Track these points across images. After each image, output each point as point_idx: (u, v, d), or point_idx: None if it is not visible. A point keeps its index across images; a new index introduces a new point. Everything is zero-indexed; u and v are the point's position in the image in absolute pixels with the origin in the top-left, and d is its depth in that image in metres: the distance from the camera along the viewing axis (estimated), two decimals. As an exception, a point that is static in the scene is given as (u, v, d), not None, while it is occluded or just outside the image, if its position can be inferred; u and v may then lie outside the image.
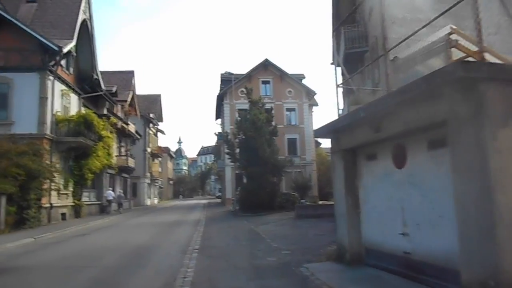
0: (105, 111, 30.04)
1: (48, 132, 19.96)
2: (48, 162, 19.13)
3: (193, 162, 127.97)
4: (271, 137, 25.53)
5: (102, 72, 35.75)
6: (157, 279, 7.24)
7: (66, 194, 22.39)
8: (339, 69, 14.05)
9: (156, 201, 56.81)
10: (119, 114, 34.82)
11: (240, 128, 25.35)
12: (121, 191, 37.94)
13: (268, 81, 38.72)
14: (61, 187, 21.68)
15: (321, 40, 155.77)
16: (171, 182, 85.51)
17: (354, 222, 7.82)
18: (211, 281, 7.04)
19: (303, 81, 41.03)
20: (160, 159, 61.94)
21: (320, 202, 33.03)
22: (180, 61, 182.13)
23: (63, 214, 21.92)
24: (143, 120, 47.00)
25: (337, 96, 14.52)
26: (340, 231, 8.23)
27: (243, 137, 25.13)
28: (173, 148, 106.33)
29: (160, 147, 59.13)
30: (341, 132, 7.82)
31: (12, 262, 9.63)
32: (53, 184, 19.38)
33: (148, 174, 49.45)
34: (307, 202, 29.59)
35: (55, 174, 19.32)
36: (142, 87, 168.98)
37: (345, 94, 15.93)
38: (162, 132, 60.42)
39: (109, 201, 29.87)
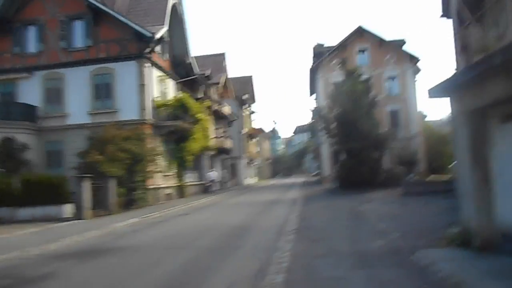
0: (200, 95, 30.86)
1: (148, 117, 20.87)
2: (150, 146, 20.02)
3: (289, 141, 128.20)
4: (370, 109, 23.57)
5: (195, 57, 36.78)
6: (250, 264, 6.63)
7: (169, 175, 23.45)
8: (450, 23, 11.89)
9: (254, 180, 57.96)
10: (214, 97, 35.57)
11: (336, 101, 23.82)
12: (224, 171, 39.68)
13: (365, 49, 35.92)
14: (165, 169, 22.73)
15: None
16: (268, 162, 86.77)
17: (484, 201, 6.28)
18: (309, 269, 6.19)
19: (404, 48, 37.36)
20: (256, 139, 62.85)
21: (429, 178, 30.14)
22: (270, 39, 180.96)
23: (168, 195, 23.04)
24: (237, 102, 47.70)
25: (456, 43, 12.36)
26: (466, 211, 6.73)
27: (340, 110, 23.58)
28: (268, 128, 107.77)
29: (254, 128, 59.86)
30: (466, 88, 6.25)
31: (118, 241, 9.94)
32: (156, 166, 20.26)
33: (245, 155, 50.39)
34: (414, 178, 27.10)
35: (158, 157, 20.15)
36: (234, 70, 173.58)
37: (460, 50, 13.52)
38: (256, 113, 61.08)
39: (212, 181, 31.84)
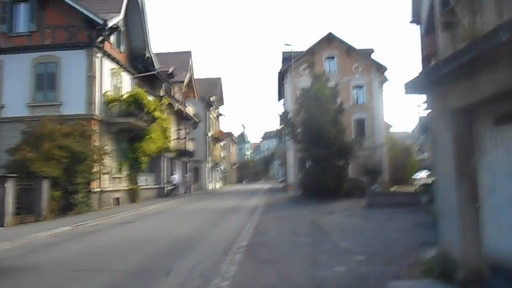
0: (161, 93, 28.99)
1: (96, 112, 18.88)
2: (96, 144, 18.06)
3: (256, 147, 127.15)
4: (336, 115, 22.56)
5: (158, 54, 34.78)
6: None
7: (119, 178, 21.45)
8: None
9: (218, 185, 56.17)
10: (177, 96, 33.72)
11: (302, 105, 22.65)
12: (186, 175, 38.04)
13: (333, 56, 35.18)
14: (114, 170, 20.74)
15: (390, 7, 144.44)
16: (234, 166, 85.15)
17: (471, 222, 5.04)
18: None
19: (372, 56, 36.98)
20: (222, 143, 61.17)
21: (392, 189, 29.57)
22: (240, 41, 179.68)
23: (117, 199, 21.02)
24: (203, 104, 45.91)
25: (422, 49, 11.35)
26: (446, 234, 5.47)
27: (306, 115, 22.42)
28: (236, 133, 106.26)
29: (221, 131, 58.20)
30: (450, 81, 4.99)
31: (25, 258, 8.11)
32: (103, 167, 18.27)
33: (210, 159, 48.58)
34: (378, 188, 26.37)
35: (105, 157, 18.18)
36: (201, 71, 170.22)
37: (426, 56, 12.57)
38: (223, 115, 59.43)
39: (175, 185, 30.92)
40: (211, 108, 50.14)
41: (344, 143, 22.42)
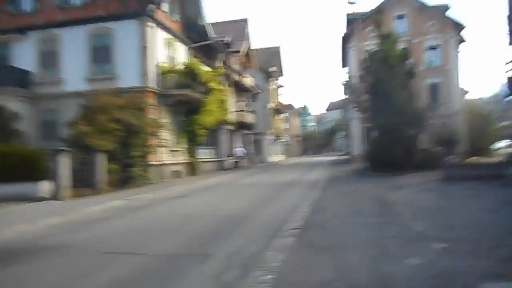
0: (219, 64, 28.25)
1: (151, 84, 18.56)
2: (152, 117, 17.79)
3: (320, 119, 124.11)
4: (407, 79, 20.18)
5: (213, 24, 33.98)
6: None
7: (178, 151, 21.27)
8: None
9: (280, 158, 55.40)
10: (235, 67, 32.85)
11: (368, 69, 20.49)
12: (249, 148, 37.83)
13: (403, 15, 31.91)
14: (172, 144, 20.56)
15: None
16: (297, 139, 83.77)
17: None
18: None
19: (447, 14, 32.87)
20: (284, 115, 59.88)
21: (471, 160, 26.54)
22: (299, 6, 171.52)
23: (176, 172, 20.92)
24: (263, 74, 44.74)
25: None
26: None
27: (372, 81, 20.33)
28: (299, 105, 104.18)
29: (282, 103, 56.84)
30: None
31: (64, 236, 7.70)
32: (160, 140, 18.02)
33: (271, 131, 47.70)
34: (454, 159, 23.61)
35: (160, 130, 17.90)
36: (259, 41, 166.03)
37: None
38: (283, 87, 57.89)
39: (240, 157, 31.36)
40: (270, 79, 48.84)
41: (415, 110, 20.10)
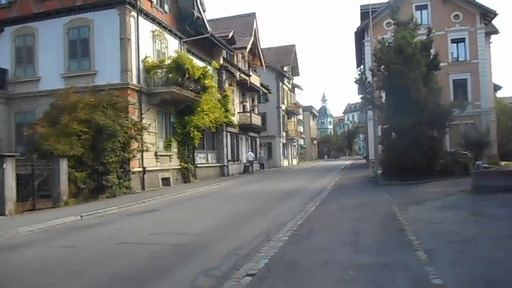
0: (221, 61, 26.07)
1: (134, 81, 16.47)
2: (133, 117, 15.70)
3: (339, 121, 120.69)
4: (428, 71, 17.45)
5: (219, 19, 31.90)
6: None
7: (168, 156, 19.10)
8: None
9: (294, 162, 52.73)
10: (241, 65, 30.58)
11: (381, 60, 17.81)
12: (262, 152, 35.90)
13: (425, 4, 28.96)
14: (160, 148, 18.44)
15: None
16: (314, 142, 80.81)
17: None
18: None
19: (475, 1, 29.71)
20: (298, 117, 57.18)
21: (503, 164, 23.42)
22: (313, 4, 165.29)
23: (166, 179, 18.75)
24: (275, 73, 42.30)
25: None
26: None
27: (386, 73, 17.66)
28: (317, 106, 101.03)
29: (296, 104, 54.14)
30: None
31: None
32: (142, 144, 15.89)
33: (284, 134, 45.17)
34: (485, 164, 20.48)
35: (143, 132, 15.78)
36: (274, 39, 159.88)
37: None
38: (299, 87, 55.21)
39: (250, 162, 30.28)
40: (284, 79, 46.34)
41: (439, 107, 17.34)
